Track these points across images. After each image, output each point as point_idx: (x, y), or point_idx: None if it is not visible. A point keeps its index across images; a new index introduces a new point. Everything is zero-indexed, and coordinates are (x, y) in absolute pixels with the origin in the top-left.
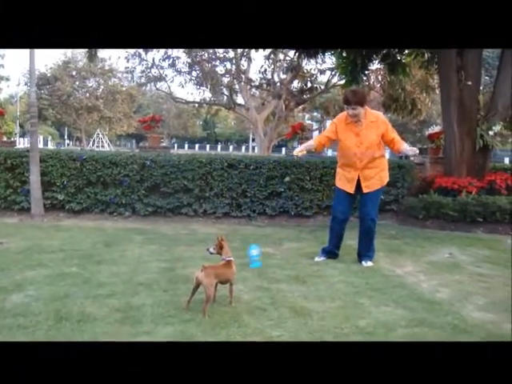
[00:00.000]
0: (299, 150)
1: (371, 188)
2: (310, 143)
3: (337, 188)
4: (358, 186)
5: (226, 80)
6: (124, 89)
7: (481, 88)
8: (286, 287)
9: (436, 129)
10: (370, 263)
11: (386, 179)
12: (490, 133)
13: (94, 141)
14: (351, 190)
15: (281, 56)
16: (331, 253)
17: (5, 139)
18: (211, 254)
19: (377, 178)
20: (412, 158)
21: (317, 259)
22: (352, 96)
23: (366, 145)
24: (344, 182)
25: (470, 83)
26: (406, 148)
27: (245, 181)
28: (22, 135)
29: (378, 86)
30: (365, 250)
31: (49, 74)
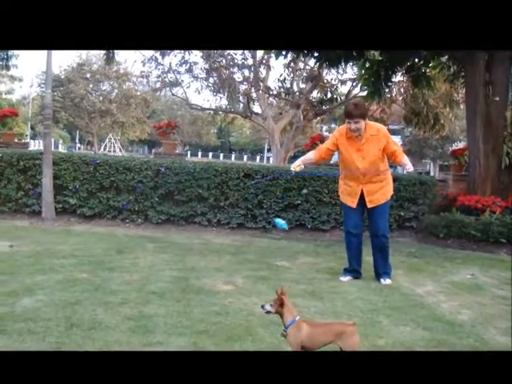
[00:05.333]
0: (297, 165)
1: (375, 203)
2: (309, 157)
3: (342, 203)
4: (364, 200)
5: (243, 88)
6: (138, 93)
7: (508, 104)
8: (301, 302)
9: (459, 145)
10: (388, 281)
11: (390, 193)
12: None
13: (105, 145)
14: (354, 204)
15: (301, 65)
16: (354, 272)
17: (16, 141)
18: (267, 313)
19: (381, 193)
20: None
21: (342, 279)
22: (354, 109)
23: (368, 160)
24: (346, 196)
25: (497, 99)
26: (404, 162)
27: (261, 191)
28: (33, 137)
29: (401, 98)
30: (382, 268)
31: (62, 76)
